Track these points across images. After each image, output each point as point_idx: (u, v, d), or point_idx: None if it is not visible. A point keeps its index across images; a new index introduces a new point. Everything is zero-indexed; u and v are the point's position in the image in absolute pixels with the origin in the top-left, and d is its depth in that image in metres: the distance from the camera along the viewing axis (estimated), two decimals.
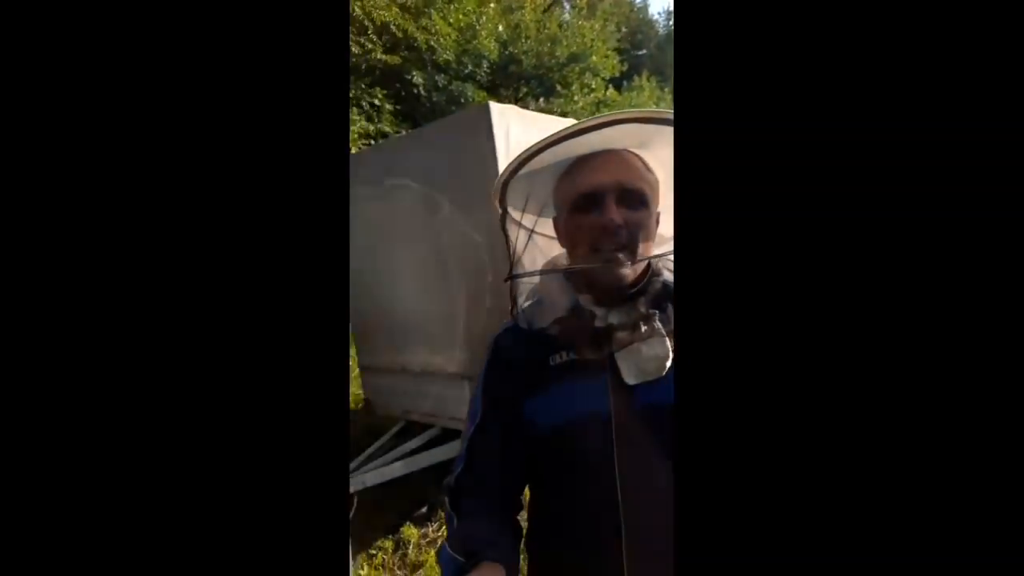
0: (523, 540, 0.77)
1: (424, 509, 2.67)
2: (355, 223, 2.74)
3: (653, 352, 0.66)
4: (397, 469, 2.35)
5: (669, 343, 0.66)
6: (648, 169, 0.71)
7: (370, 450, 2.67)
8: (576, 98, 8.17)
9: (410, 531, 2.53)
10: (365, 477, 2.30)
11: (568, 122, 3.24)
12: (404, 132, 6.28)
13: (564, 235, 0.73)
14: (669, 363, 0.66)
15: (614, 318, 0.69)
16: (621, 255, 0.65)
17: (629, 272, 0.68)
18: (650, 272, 0.72)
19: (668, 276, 0.73)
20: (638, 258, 0.67)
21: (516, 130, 2.15)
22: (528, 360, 0.72)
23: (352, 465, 2.56)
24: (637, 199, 0.67)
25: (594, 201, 0.67)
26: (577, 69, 8.46)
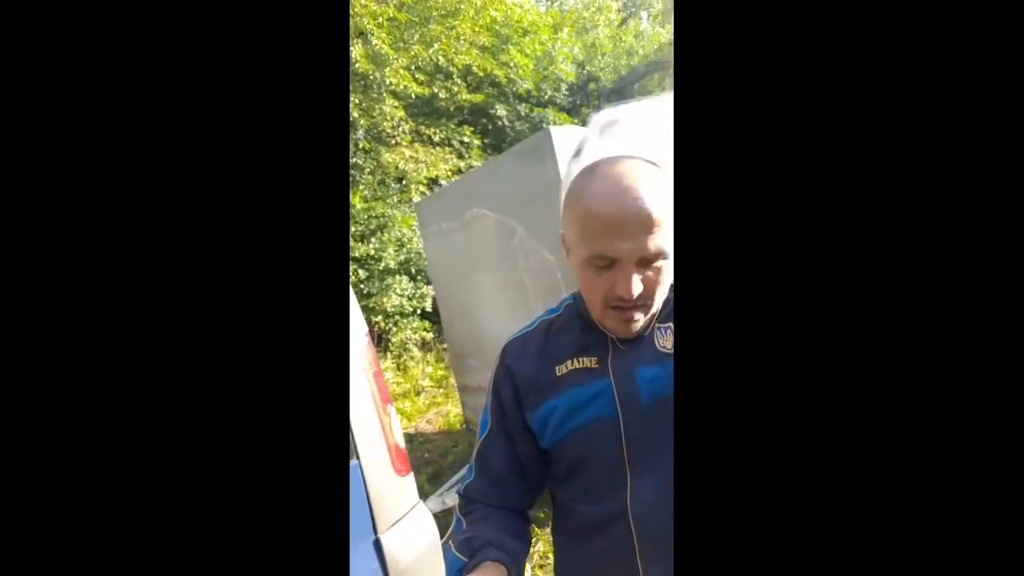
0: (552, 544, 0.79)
1: None
2: (442, 255, 2.97)
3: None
4: None
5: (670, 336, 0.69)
6: (664, 195, 0.64)
7: (460, 474, 2.81)
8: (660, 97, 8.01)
9: None
10: (445, 497, 2.42)
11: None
12: None
13: (577, 271, 0.70)
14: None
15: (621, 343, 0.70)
16: (637, 315, 0.65)
17: (643, 325, 0.67)
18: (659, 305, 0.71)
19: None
20: (652, 308, 0.66)
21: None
22: (533, 370, 0.73)
23: (444, 487, 2.71)
24: (659, 258, 0.63)
25: (612, 264, 0.63)
26: (656, 78, 8.32)
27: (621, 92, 8.02)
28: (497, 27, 6.61)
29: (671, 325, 0.70)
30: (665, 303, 0.70)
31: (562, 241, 0.73)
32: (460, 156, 6.72)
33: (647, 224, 0.61)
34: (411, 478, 1.52)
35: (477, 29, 6.10)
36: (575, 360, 0.71)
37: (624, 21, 10.08)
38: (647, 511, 0.66)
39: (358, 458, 1.37)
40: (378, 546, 1.37)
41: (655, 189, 0.62)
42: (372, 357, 1.48)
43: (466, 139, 6.84)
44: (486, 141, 7.13)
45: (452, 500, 2.46)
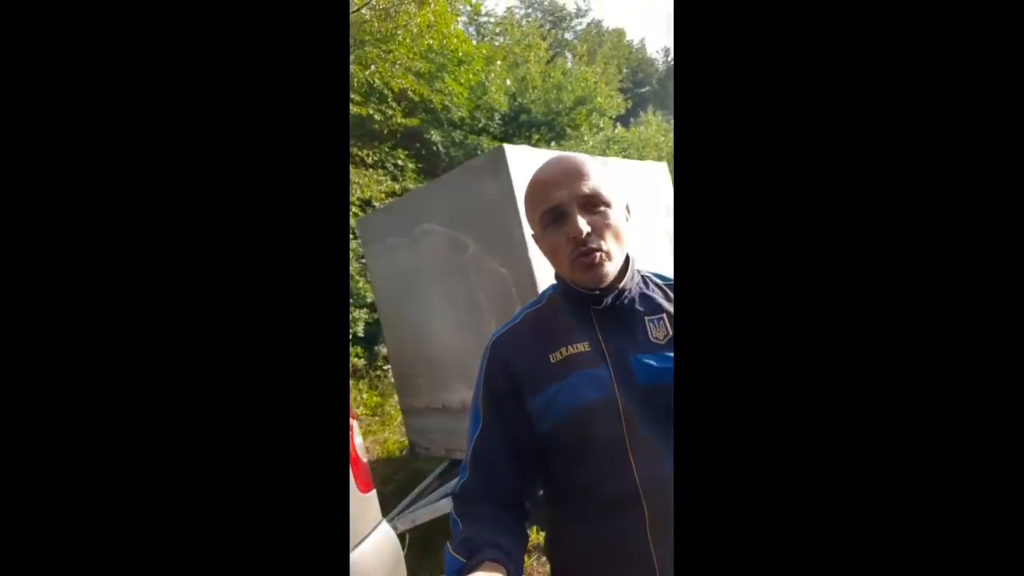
0: (545, 544, 0.79)
1: None
2: (388, 271, 2.91)
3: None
4: (445, 506, 2.38)
5: (668, 323, 0.74)
6: (601, 168, 0.75)
7: (415, 492, 2.71)
8: (586, 138, 8.47)
9: None
10: (416, 515, 2.34)
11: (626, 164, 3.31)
12: None
13: (544, 250, 0.76)
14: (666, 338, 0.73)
15: (608, 311, 0.74)
16: (597, 256, 0.70)
17: (610, 269, 0.72)
18: (631, 266, 0.77)
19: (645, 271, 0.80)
20: (614, 255, 0.71)
21: (531, 167, 2.30)
22: (528, 360, 0.75)
23: (401, 506, 2.60)
24: (600, 202, 0.71)
25: (559, 214, 0.71)
26: (584, 111, 8.81)
27: (550, 124, 8.41)
28: (432, 55, 6.72)
29: (662, 317, 0.75)
30: (648, 293, 0.77)
31: (534, 241, 0.80)
32: (394, 178, 6.65)
33: (577, 172, 0.71)
34: (374, 495, 1.45)
35: (413, 55, 6.17)
36: (568, 347, 0.74)
37: (552, 59, 10.63)
38: (655, 488, 0.68)
39: None
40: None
41: (579, 155, 0.75)
42: None
43: (400, 162, 6.79)
44: (420, 165, 7.13)
45: (422, 517, 2.36)
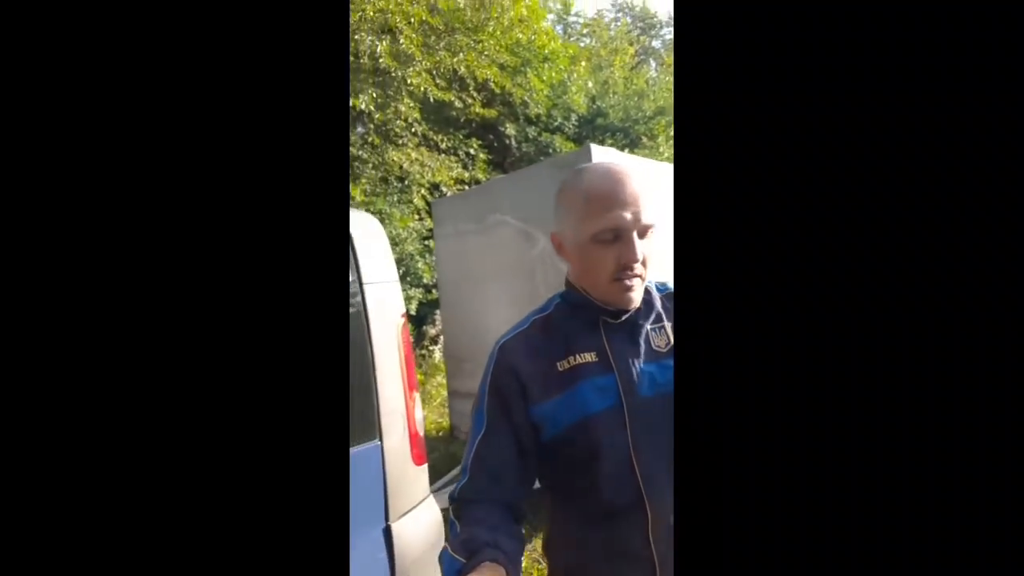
0: (543, 546, 0.80)
1: None
2: (455, 256, 2.95)
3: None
4: None
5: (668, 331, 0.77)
6: (652, 187, 0.77)
7: (450, 475, 2.74)
8: (662, 149, 8.28)
9: None
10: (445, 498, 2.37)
11: (662, 166, 3.28)
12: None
13: (578, 257, 0.76)
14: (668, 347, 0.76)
15: (620, 327, 0.76)
16: (636, 283, 0.72)
17: (640, 296, 0.75)
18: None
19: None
20: (646, 277, 0.74)
21: None
22: (535, 366, 0.76)
23: (436, 485, 2.64)
24: (649, 231, 0.73)
25: (617, 236, 0.71)
26: (664, 122, 8.61)
27: (626, 131, 8.28)
28: (519, 49, 6.75)
29: (663, 325, 0.78)
30: (650, 303, 0.79)
31: (553, 241, 0.80)
32: (465, 167, 6.75)
33: (642, 195, 0.72)
34: (425, 468, 1.48)
35: (500, 47, 6.22)
36: (576, 356, 0.75)
37: (637, 65, 10.44)
38: (659, 495, 0.71)
39: (381, 441, 1.32)
40: (388, 534, 1.31)
41: (640, 171, 0.76)
42: (405, 339, 1.44)
43: (472, 151, 6.88)
44: (491, 157, 7.19)
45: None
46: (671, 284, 0.83)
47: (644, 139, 8.43)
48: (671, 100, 8.78)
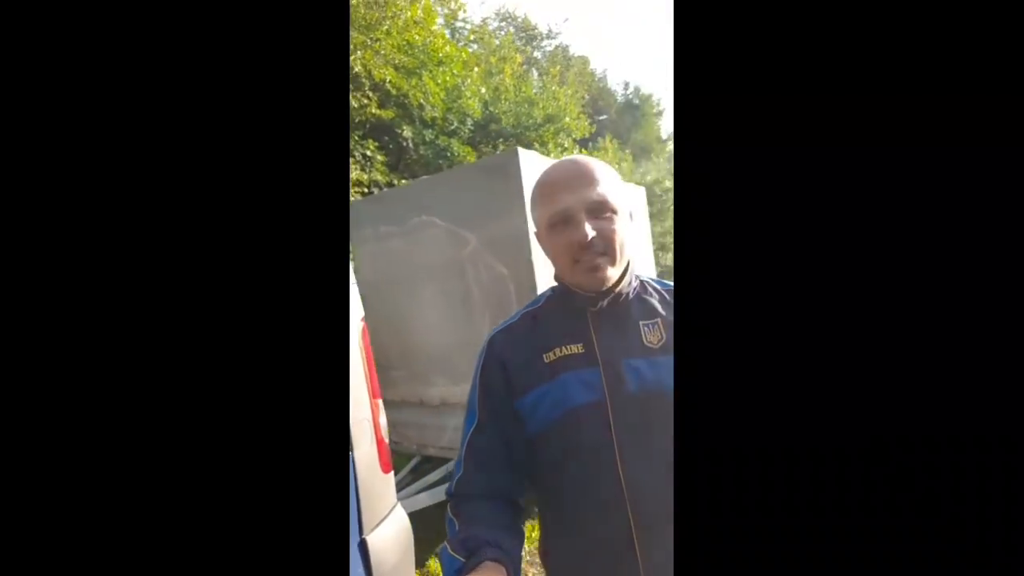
0: (539, 540, 0.81)
1: None
2: (375, 259, 2.86)
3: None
4: (423, 500, 2.35)
5: (661, 328, 0.76)
6: (600, 164, 0.77)
7: (419, 483, 2.64)
8: (551, 156, 8.69)
9: (436, 565, 2.50)
10: None
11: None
12: (394, 181, 6.49)
13: (547, 249, 0.78)
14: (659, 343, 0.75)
15: (604, 314, 0.76)
16: (600, 261, 0.72)
17: (611, 274, 0.73)
18: (629, 271, 0.79)
19: (644, 276, 0.83)
20: (617, 260, 0.73)
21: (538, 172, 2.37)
22: (522, 358, 0.76)
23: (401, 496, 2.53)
24: (606, 209, 0.72)
25: (567, 219, 0.72)
26: (552, 129, 9.04)
27: (518, 137, 8.55)
28: (414, 51, 6.67)
29: (657, 322, 0.77)
30: (645, 297, 0.78)
31: (537, 240, 0.82)
32: (363, 168, 6.49)
33: (587, 178, 0.73)
34: (392, 476, 1.44)
35: (395, 48, 6.09)
36: (562, 347, 0.75)
37: (522, 75, 10.83)
38: (642, 496, 0.70)
39: (351, 451, 1.27)
40: (363, 548, 1.26)
41: (591, 160, 0.76)
42: (366, 343, 1.39)
43: (369, 152, 6.64)
44: (388, 159, 7.00)
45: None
46: (671, 281, 0.83)
47: (536, 145, 8.78)
48: (558, 108, 9.25)
